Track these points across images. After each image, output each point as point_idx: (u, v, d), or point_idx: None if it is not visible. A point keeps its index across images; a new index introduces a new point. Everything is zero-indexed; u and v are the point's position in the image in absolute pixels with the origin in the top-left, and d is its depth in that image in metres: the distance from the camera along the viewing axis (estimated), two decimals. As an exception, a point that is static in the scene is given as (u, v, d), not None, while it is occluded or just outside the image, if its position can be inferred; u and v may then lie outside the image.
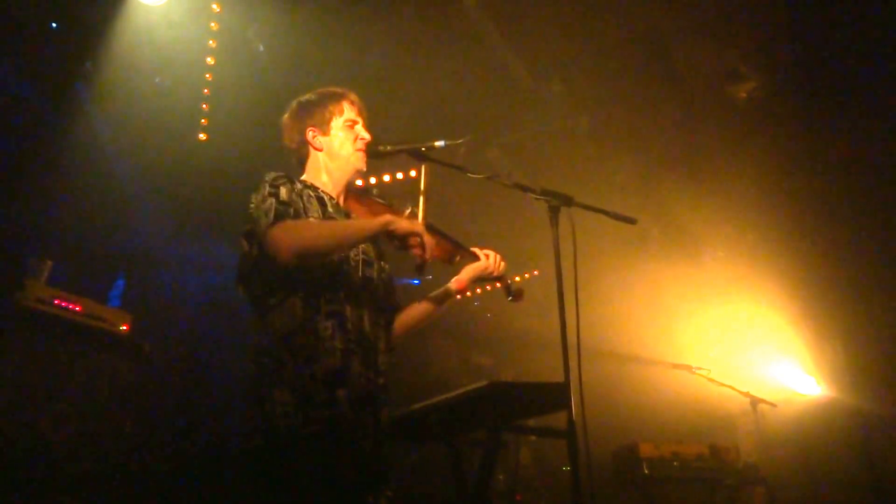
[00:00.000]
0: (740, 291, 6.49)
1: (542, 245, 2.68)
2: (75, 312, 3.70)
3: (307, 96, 2.42)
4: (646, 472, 4.66)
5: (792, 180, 5.92)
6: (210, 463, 4.42)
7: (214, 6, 5.04)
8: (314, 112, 2.36)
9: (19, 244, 5.16)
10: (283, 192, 2.10)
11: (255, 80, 5.34)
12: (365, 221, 2.16)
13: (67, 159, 5.56)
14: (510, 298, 2.50)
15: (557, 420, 2.45)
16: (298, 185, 2.20)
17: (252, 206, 2.11)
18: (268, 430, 1.95)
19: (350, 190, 2.33)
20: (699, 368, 5.26)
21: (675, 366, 5.54)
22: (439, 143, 2.34)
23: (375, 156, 2.37)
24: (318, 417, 1.94)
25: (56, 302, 3.63)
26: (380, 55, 5.39)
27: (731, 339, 6.56)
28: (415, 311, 2.46)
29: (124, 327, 3.93)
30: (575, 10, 5.10)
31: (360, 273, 2.19)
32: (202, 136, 5.49)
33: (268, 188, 2.11)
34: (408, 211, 2.29)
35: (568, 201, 2.34)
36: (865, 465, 5.50)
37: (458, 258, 2.42)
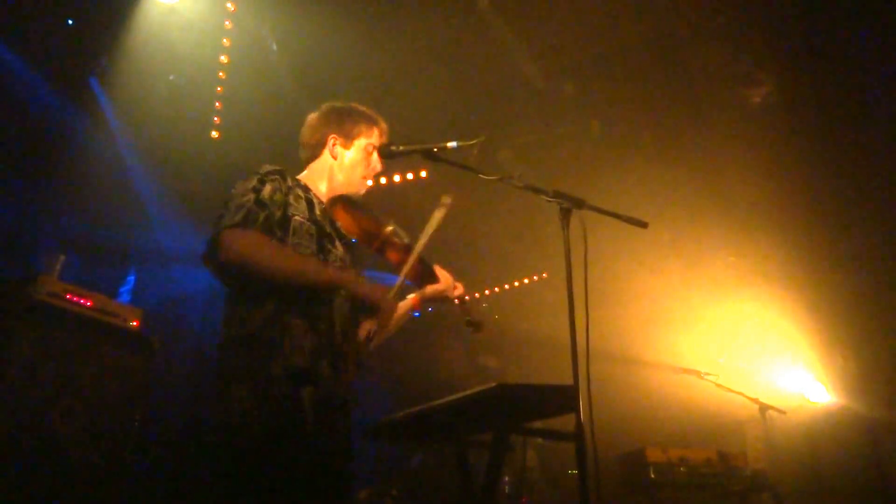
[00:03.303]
0: (750, 297, 6.45)
1: (552, 247, 2.68)
2: (86, 307, 3.72)
3: (344, 104, 2.44)
4: (652, 476, 4.63)
5: (805, 186, 5.88)
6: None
7: (229, 5, 5.07)
8: (345, 122, 2.38)
9: (32, 239, 5.21)
10: (266, 190, 2.06)
11: (269, 78, 5.37)
12: (325, 272, 2.09)
13: (81, 155, 5.61)
14: (469, 328, 2.44)
15: (562, 423, 2.44)
16: (290, 183, 2.17)
17: (234, 191, 2.07)
18: (225, 426, 1.92)
19: (339, 198, 2.28)
20: (708, 374, 5.23)
21: (684, 370, 5.50)
22: (452, 145, 2.34)
23: (388, 156, 2.38)
24: (277, 415, 1.90)
25: (68, 296, 3.66)
26: (392, 55, 5.40)
27: (740, 344, 6.53)
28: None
29: (135, 322, 3.95)
30: (588, 13, 5.09)
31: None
32: (215, 134, 5.52)
33: (255, 182, 2.08)
34: (390, 228, 2.27)
35: (579, 204, 2.33)
36: (875, 473, 5.46)
37: (421, 280, 2.38)
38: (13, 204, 5.20)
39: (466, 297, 2.48)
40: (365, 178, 2.37)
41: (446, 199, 2.29)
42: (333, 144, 2.35)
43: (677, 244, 6.47)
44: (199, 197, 6.01)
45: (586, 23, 5.16)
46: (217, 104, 5.46)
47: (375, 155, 2.38)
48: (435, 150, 2.35)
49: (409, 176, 6.67)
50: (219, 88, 5.40)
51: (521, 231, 7.18)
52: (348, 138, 2.36)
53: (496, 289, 8.77)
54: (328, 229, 2.22)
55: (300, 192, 2.19)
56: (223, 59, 5.25)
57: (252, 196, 2.03)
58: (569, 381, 2.13)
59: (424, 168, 6.57)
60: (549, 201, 2.35)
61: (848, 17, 4.92)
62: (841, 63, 5.18)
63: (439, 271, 2.45)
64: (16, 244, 5.11)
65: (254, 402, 1.90)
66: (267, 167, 2.15)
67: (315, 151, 2.37)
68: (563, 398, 2.20)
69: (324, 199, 2.28)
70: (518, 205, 6.49)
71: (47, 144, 5.42)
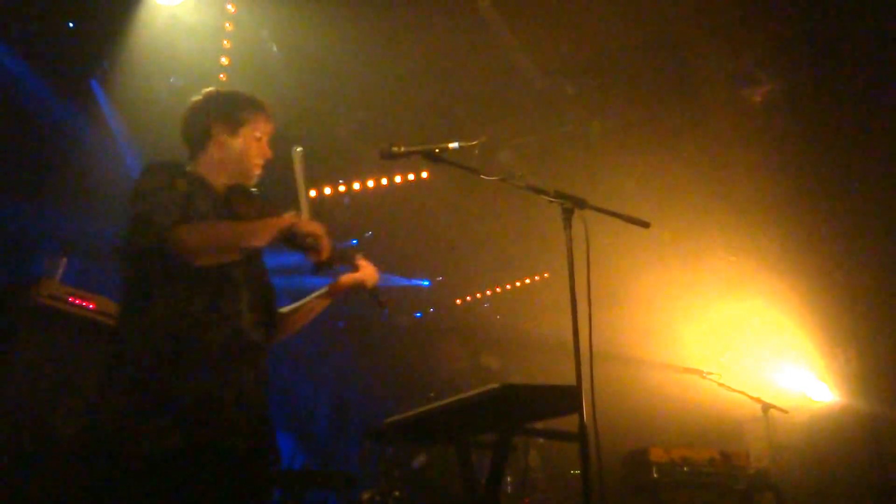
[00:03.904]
0: (752, 296, 6.45)
1: (554, 247, 2.68)
2: (88, 309, 3.72)
3: (225, 92, 2.37)
4: (655, 476, 4.64)
5: (806, 184, 5.88)
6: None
7: (229, 6, 5.07)
8: (228, 111, 2.30)
9: (34, 242, 5.21)
10: (180, 185, 2.05)
11: (269, 80, 5.37)
12: (270, 222, 2.09)
13: (82, 158, 5.61)
14: (377, 307, 2.47)
15: (564, 423, 2.44)
16: (187, 178, 2.14)
17: (147, 189, 2.04)
18: (103, 425, 1.88)
19: (235, 187, 2.25)
20: (710, 373, 5.23)
21: (686, 370, 5.50)
22: (453, 145, 2.34)
23: (390, 157, 2.37)
24: (173, 413, 1.86)
25: (70, 299, 3.65)
26: (392, 56, 5.40)
27: (742, 343, 6.53)
28: (292, 315, 2.42)
29: (137, 325, 3.94)
30: (588, 12, 5.09)
31: (243, 270, 2.13)
32: (215, 136, 5.51)
33: (166, 177, 2.06)
34: (291, 213, 2.22)
35: (581, 204, 2.33)
36: (877, 471, 5.45)
37: (338, 262, 2.34)
38: (15, 207, 5.21)
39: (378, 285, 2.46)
40: (256, 166, 2.31)
41: (297, 149, 2.30)
42: (219, 133, 2.27)
43: (679, 243, 6.46)
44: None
45: (586, 22, 5.16)
46: (218, 106, 5.45)
47: (263, 141, 2.33)
48: (436, 151, 2.35)
49: (411, 177, 6.68)
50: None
51: (522, 231, 7.18)
52: (235, 126, 2.28)
53: (498, 289, 8.77)
54: (231, 220, 2.16)
55: (198, 185, 2.15)
56: (224, 60, 5.25)
57: (172, 192, 2.02)
58: (571, 381, 2.13)
59: (426, 169, 6.57)
60: (551, 201, 2.35)
61: (849, 14, 4.92)
62: (841, 60, 5.19)
63: (361, 260, 2.42)
64: (17, 247, 5.12)
65: (144, 401, 1.87)
66: (165, 161, 2.15)
67: (199, 141, 2.29)
68: (566, 399, 2.20)
69: (219, 190, 2.22)
70: (519, 205, 6.49)
71: (48, 147, 5.42)
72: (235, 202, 2.18)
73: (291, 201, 2.25)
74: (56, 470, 3.36)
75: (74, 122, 5.54)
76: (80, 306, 3.69)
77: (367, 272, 2.42)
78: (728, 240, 6.49)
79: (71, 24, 5.05)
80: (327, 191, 6.84)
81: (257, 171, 2.32)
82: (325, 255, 2.06)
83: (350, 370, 8.53)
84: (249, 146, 2.29)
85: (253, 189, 2.32)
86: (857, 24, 4.95)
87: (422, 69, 5.51)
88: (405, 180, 6.70)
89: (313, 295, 2.45)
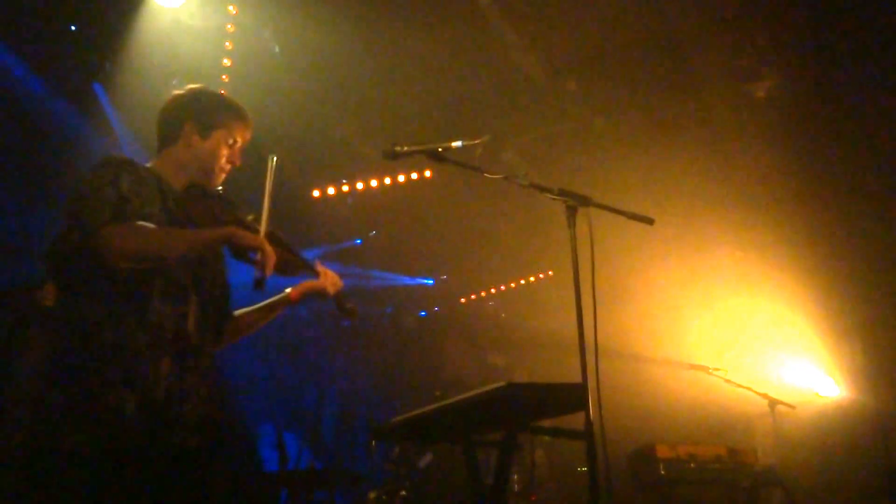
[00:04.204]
0: (758, 292, 6.44)
1: (558, 245, 2.67)
2: (94, 312, 3.73)
3: (207, 92, 2.33)
4: (662, 473, 4.63)
5: (811, 178, 5.86)
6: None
7: (231, 8, 5.07)
8: (205, 111, 2.25)
9: (39, 245, 5.22)
10: (124, 183, 1.98)
11: (272, 81, 5.38)
12: (205, 232, 2.02)
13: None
14: (342, 314, 2.44)
15: (570, 421, 2.44)
16: (142, 173, 2.08)
17: (85, 186, 1.97)
18: (35, 434, 1.86)
19: (193, 187, 2.16)
20: (716, 369, 5.22)
21: (692, 366, 5.49)
22: (456, 144, 2.33)
23: (393, 157, 2.37)
24: (100, 419, 1.83)
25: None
26: (394, 55, 5.40)
27: (748, 339, 6.51)
28: (247, 318, 2.38)
29: (142, 327, 3.95)
30: (590, 9, 5.08)
31: (194, 271, 2.09)
32: (218, 137, 5.52)
33: (110, 174, 1.99)
34: (251, 217, 2.18)
35: (585, 201, 2.33)
36: (885, 467, 5.43)
37: (296, 271, 2.30)
38: (19, 210, 5.22)
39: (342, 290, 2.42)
40: (221, 170, 2.26)
41: (273, 158, 2.19)
42: (189, 134, 2.21)
43: (683, 240, 6.45)
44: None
45: (588, 19, 5.15)
46: (220, 107, 5.46)
47: (235, 147, 2.28)
48: (440, 150, 2.34)
49: (414, 176, 6.67)
50: (222, 92, 5.39)
51: (526, 229, 7.18)
52: (206, 129, 2.22)
53: (502, 287, 8.77)
54: (183, 220, 2.09)
55: (152, 183, 2.09)
56: (226, 62, 5.26)
57: (111, 190, 1.95)
58: (577, 378, 2.12)
59: (429, 168, 6.57)
60: (555, 199, 2.34)
61: (852, 7, 4.90)
62: (844, 54, 5.16)
63: (319, 268, 2.38)
64: (22, 251, 5.13)
65: (75, 409, 1.84)
66: (115, 157, 2.10)
67: (169, 138, 2.25)
68: (572, 396, 2.20)
69: (177, 188, 2.16)
70: (523, 203, 6.49)
71: (52, 150, 5.44)
72: (189, 203, 2.10)
73: (257, 207, 2.17)
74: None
75: (78, 125, 5.55)
76: (86, 309, 3.70)
77: (328, 279, 2.37)
78: (733, 235, 6.47)
79: (73, 27, 5.06)
80: (331, 191, 6.85)
81: (220, 177, 2.26)
82: (267, 269, 1.97)
83: (356, 369, 8.54)
84: (219, 150, 2.23)
85: (218, 189, 2.26)
86: (860, 17, 4.93)
87: (424, 68, 5.51)
88: (409, 179, 6.70)
89: (269, 301, 2.41)
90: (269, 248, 1.97)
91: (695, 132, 5.99)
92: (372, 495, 4.70)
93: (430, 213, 7.27)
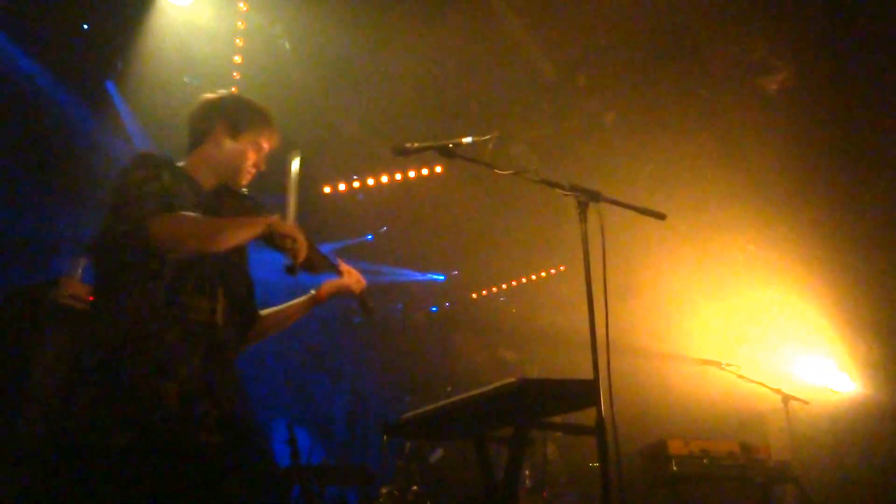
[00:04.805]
0: (771, 286, 6.38)
1: (570, 240, 2.66)
2: (108, 309, 3.76)
3: (239, 97, 2.42)
4: (674, 469, 4.60)
5: (824, 171, 5.80)
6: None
7: (241, 5, 5.09)
8: (236, 115, 2.32)
9: (53, 242, 5.28)
10: (165, 178, 2.05)
11: (282, 77, 5.39)
12: (248, 221, 2.09)
13: (99, 159, 5.66)
14: (364, 313, 2.52)
15: (583, 416, 2.43)
16: (176, 171, 2.15)
17: (130, 181, 2.03)
18: (74, 432, 1.87)
19: (222, 187, 2.26)
20: (729, 364, 5.18)
21: (705, 362, 5.46)
22: (467, 140, 2.34)
23: (403, 153, 2.37)
24: (134, 412, 1.86)
25: (90, 299, 3.68)
26: (404, 52, 5.40)
27: (762, 334, 6.46)
28: (273, 317, 2.43)
29: (155, 323, 3.97)
30: (600, 3, 5.05)
31: (221, 267, 2.13)
32: (230, 134, 5.55)
33: (152, 169, 2.05)
34: (276, 216, 2.21)
35: (596, 197, 2.32)
36: (901, 463, 5.38)
37: (321, 269, 2.36)
38: (33, 208, 5.27)
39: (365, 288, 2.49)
40: (247, 173, 2.33)
41: (296, 156, 2.30)
42: (220, 134, 2.29)
43: (695, 234, 6.42)
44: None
45: (598, 13, 5.12)
46: (231, 104, 5.48)
47: (262, 152, 2.35)
48: (450, 146, 2.35)
49: (425, 172, 6.67)
50: (233, 89, 5.43)
51: (537, 224, 7.16)
52: (236, 131, 2.30)
53: (513, 282, 8.76)
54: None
55: (184, 182, 2.15)
56: (237, 59, 5.28)
57: (155, 184, 2.02)
58: (588, 373, 2.12)
59: (440, 164, 6.57)
60: (566, 195, 2.34)
61: (863, 0, 4.85)
62: (857, 47, 5.11)
63: (343, 267, 2.44)
64: (37, 248, 5.18)
65: (113, 401, 1.86)
66: (152, 155, 2.15)
67: (200, 138, 2.31)
68: (584, 392, 2.19)
69: (206, 188, 2.23)
70: (534, 198, 6.47)
71: (65, 148, 5.48)
72: (221, 200, 2.18)
73: (281, 204, 2.25)
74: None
75: (90, 123, 5.60)
76: (100, 306, 3.72)
77: (352, 278, 2.44)
78: (745, 228, 6.42)
79: (85, 26, 5.10)
80: (342, 187, 6.86)
81: (246, 179, 2.32)
82: (300, 257, 2.06)
83: (367, 365, 8.57)
84: (247, 152, 2.31)
85: (243, 190, 2.32)
86: (872, 9, 4.87)
87: (434, 64, 5.50)
88: (419, 176, 6.70)
89: (295, 301, 2.46)
90: (302, 237, 2.05)
91: (707, 126, 5.94)
92: (384, 491, 4.72)
93: (441, 208, 7.26)
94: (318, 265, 2.31)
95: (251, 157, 2.31)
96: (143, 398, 1.88)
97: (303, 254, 2.06)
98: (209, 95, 2.39)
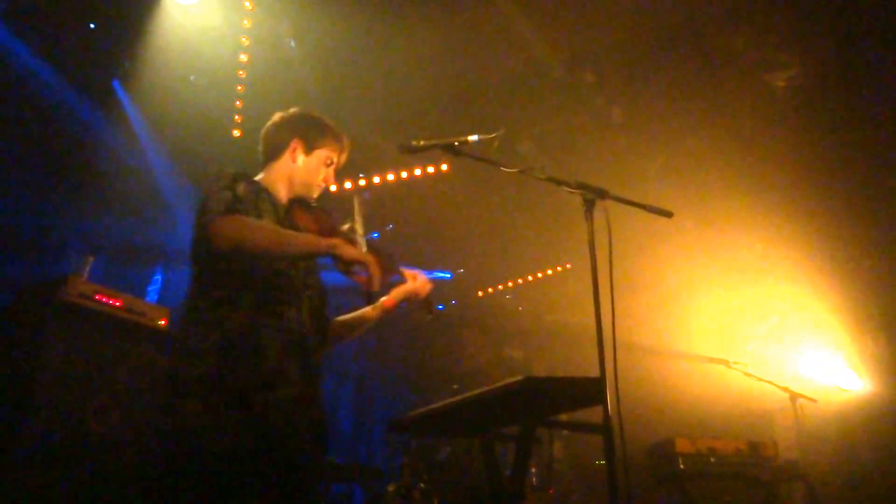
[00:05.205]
0: (778, 283, 6.35)
1: (576, 237, 2.66)
2: (116, 307, 3.77)
3: (312, 115, 2.48)
4: (681, 467, 4.59)
5: (834, 167, 5.77)
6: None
7: (247, 4, 5.10)
8: (310, 130, 2.41)
9: (60, 241, 5.30)
10: (240, 188, 2.12)
11: (289, 76, 5.40)
12: (312, 238, 2.13)
13: (106, 157, 5.68)
14: (426, 314, 2.56)
15: (589, 414, 2.43)
16: (256, 185, 2.24)
17: (206, 191, 2.11)
18: (178, 442, 1.92)
19: (297, 199, 2.34)
20: (736, 362, 5.16)
21: (712, 360, 5.44)
22: (473, 138, 2.34)
23: (409, 151, 2.37)
24: (246, 422, 1.91)
25: (97, 297, 3.71)
26: (411, 48, 5.39)
27: (769, 332, 6.43)
28: (347, 325, 2.50)
29: (162, 322, 3.99)
30: None
31: (303, 279, 2.22)
32: (237, 133, 5.57)
33: (228, 181, 2.13)
34: (347, 226, 2.31)
35: (603, 194, 2.31)
36: (910, 462, 5.35)
37: (389, 277, 2.37)
38: (41, 206, 5.30)
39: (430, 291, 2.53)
40: (318, 187, 2.42)
41: (358, 195, 2.44)
42: (295, 149, 2.38)
43: (703, 231, 6.39)
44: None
45: (605, 8, 5.10)
46: (238, 103, 5.50)
47: (332, 167, 2.44)
48: (456, 144, 2.35)
49: (431, 170, 6.67)
50: (239, 87, 5.44)
51: (543, 222, 7.15)
52: (311, 146, 2.39)
53: (520, 280, 8.74)
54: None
55: (264, 195, 2.24)
56: (243, 57, 5.29)
57: (228, 192, 2.08)
58: (594, 371, 2.11)
59: (446, 161, 6.56)
60: (572, 192, 2.33)
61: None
62: (867, 42, 5.07)
63: (408, 274, 2.48)
64: (45, 246, 5.21)
65: (220, 411, 1.91)
66: (233, 169, 2.21)
67: (275, 153, 2.40)
68: (590, 390, 2.19)
69: (282, 202, 2.32)
70: (540, 196, 6.45)
71: (73, 147, 5.51)
72: (296, 214, 2.26)
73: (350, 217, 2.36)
74: (87, 466, 3.42)
75: (98, 122, 5.62)
76: (108, 304, 3.74)
77: (419, 281, 2.49)
78: (753, 226, 6.39)
79: (92, 25, 5.11)
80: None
81: (317, 193, 2.41)
82: (373, 286, 2.07)
83: (373, 363, 8.58)
84: (320, 167, 2.40)
85: (313, 203, 2.39)
86: (882, 3, 4.83)
87: (440, 61, 5.49)
88: (425, 173, 6.69)
89: (365, 309, 2.52)
90: (374, 264, 2.07)
91: (715, 122, 5.91)
92: (391, 488, 4.72)
93: (447, 206, 7.26)
94: (387, 274, 2.31)
95: (323, 172, 2.40)
96: (253, 407, 1.93)
97: (376, 283, 2.08)
98: (283, 113, 2.47)
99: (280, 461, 1.97)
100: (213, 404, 1.91)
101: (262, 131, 2.45)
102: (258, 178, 2.35)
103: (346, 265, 2.07)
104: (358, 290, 2.12)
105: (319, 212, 2.31)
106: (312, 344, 2.18)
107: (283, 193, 2.34)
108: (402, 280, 2.48)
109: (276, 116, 2.46)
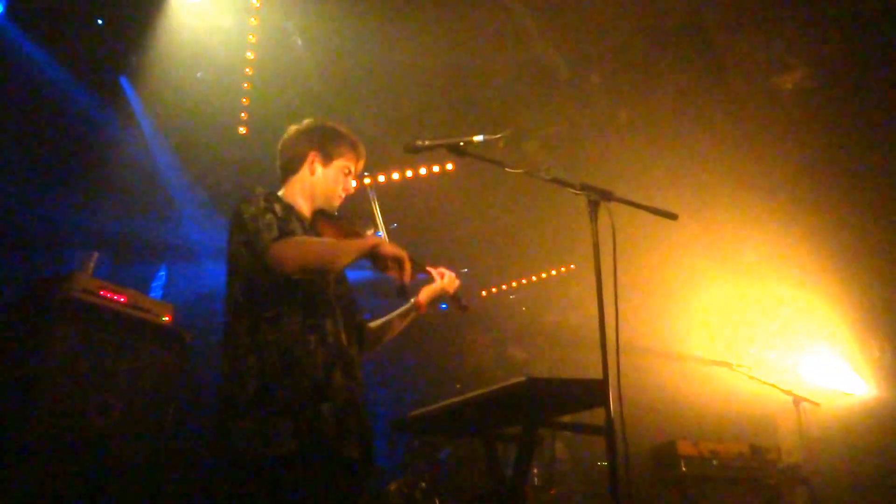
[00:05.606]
0: (782, 286, 6.34)
1: (580, 238, 2.65)
2: (120, 303, 3.79)
3: (328, 125, 2.49)
4: (684, 470, 4.59)
5: (839, 170, 5.75)
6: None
7: (254, 2, 5.11)
8: (326, 141, 2.42)
9: (66, 237, 5.32)
10: (277, 208, 2.17)
11: (295, 73, 5.40)
12: (356, 242, 2.22)
13: (112, 154, 5.70)
14: (457, 310, 2.59)
15: (592, 415, 2.43)
16: (283, 203, 2.27)
17: (247, 216, 2.15)
18: (235, 459, 1.98)
19: (320, 212, 2.38)
20: (739, 365, 5.16)
21: (715, 363, 5.44)
22: (478, 138, 2.33)
23: (414, 151, 2.37)
24: (303, 433, 1.97)
25: (101, 293, 3.72)
26: (417, 48, 5.39)
27: (772, 335, 6.42)
28: (382, 329, 2.56)
29: (167, 318, 4.00)
30: (615, 0, 5.02)
31: (334, 289, 2.26)
32: (243, 130, 5.58)
33: (262, 202, 2.17)
34: (370, 231, 2.36)
35: (607, 196, 2.31)
36: (913, 466, 5.33)
37: (415, 275, 2.40)
38: (46, 202, 5.31)
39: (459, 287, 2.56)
40: (338, 197, 2.44)
41: (372, 188, 2.49)
42: (313, 161, 2.39)
43: (708, 234, 6.37)
44: (229, 192, 6.08)
45: (612, 9, 5.09)
46: (244, 100, 5.51)
47: (350, 177, 2.46)
48: (461, 144, 2.34)
49: (436, 169, 6.67)
50: (246, 84, 5.45)
51: (548, 223, 7.14)
52: (328, 158, 2.40)
53: (523, 280, 8.74)
54: None
55: (290, 209, 2.27)
56: (249, 55, 5.30)
57: (270, 215, 2.13)
58: (597, 372, 2.11)
59: (451, 161, 6.56)
60: (577, 194, 2.32)
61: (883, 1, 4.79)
62: (874, 45, 5.05)
63: (434, 272, 2.51)
64: (50, 242, 5.22)
65: (276, 428, 1.96)
66: (263, 190, 2.25)
67: (294, 165, 2.41)
68: (593, 392, 2.19)
69: (307, 216, 2.35)
70: (545, 196, 6.45)
71: (79, 143, 5.52)
72: (321, 225, 2.31)
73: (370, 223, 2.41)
74: (90, 461, 3.43)
75: (104, 118, 5.63)
76: (112, 300, 3.75)
77: (447, 279, 2.52)
78: (758, 229, 6.37)
79: (100, 22, 5.13)
80: (352, 184, 6.86)
81: (338, 202, 2.44)
82: (408, 278, 2.16)
83: (375, 362, 8.57)
84: (338, 177, 2.42)
85: (335, 213, 2.43)
86: (889, 7, 4.82)
87: (446, 61, 5.49)
88: (430, 173, 6.69)
89: (397, 312, 2.57)
90: (406, 257, 2.17)
91: (721, 124, 5.90)
92: (392, 487, 4.72)
93: (452, 206, 7.26)
94: (413, 272, 2.34)
95: (341, 182, 2.43)
96: (306, 418, 1.99)
97: (408, 275, 2.16)
98: (298, 126, 2.48)
99: (333, 471, 2.02)
100: (267, 421, 1.96)
101: (279, 145, 2.46)
102: (280, 193, 2.38)
103: (384, 262, 2.14)
104: (391, 284, 2.19)
105: (342, 220, 2.36)
106: (353, 353, 2.24)
107: (305, 207, 2.37)
108: (428, 277, 2.50)
109: (292, 129, 2.47)
